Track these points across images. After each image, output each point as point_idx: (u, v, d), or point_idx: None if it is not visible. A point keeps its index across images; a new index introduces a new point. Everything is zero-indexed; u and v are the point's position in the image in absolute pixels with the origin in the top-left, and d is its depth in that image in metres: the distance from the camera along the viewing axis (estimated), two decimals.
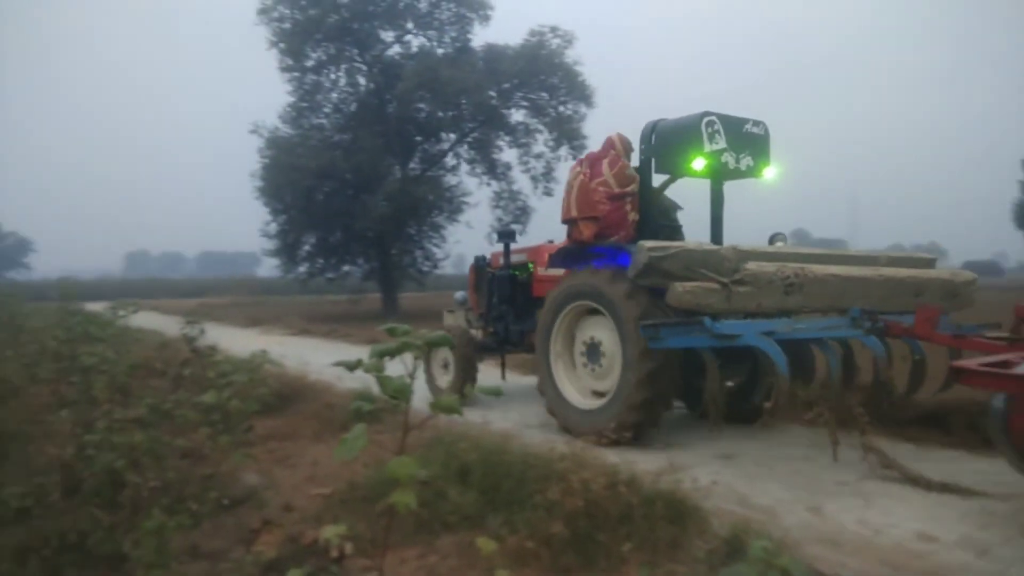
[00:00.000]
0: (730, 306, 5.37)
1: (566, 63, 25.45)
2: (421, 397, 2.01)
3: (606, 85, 26.45)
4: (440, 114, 25.51)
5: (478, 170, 27.78)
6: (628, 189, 6.72)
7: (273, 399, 6.33)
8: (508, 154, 27.76)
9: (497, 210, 27.40)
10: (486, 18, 26.40)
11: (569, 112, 26.18)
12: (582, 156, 7.43)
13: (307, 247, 26.58)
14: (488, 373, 8.76)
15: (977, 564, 3.52)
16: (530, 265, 8.30)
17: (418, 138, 27.57)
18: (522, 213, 27.44)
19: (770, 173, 6.82)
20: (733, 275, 5.39)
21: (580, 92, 25.82)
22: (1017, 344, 4.90)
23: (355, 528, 3.60)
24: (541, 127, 26.59)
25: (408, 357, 1.92)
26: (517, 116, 27.12)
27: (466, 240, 26.99)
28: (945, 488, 4.62)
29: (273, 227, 25.79)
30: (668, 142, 6.56)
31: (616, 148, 6.92)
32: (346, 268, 27.53)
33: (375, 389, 2.00)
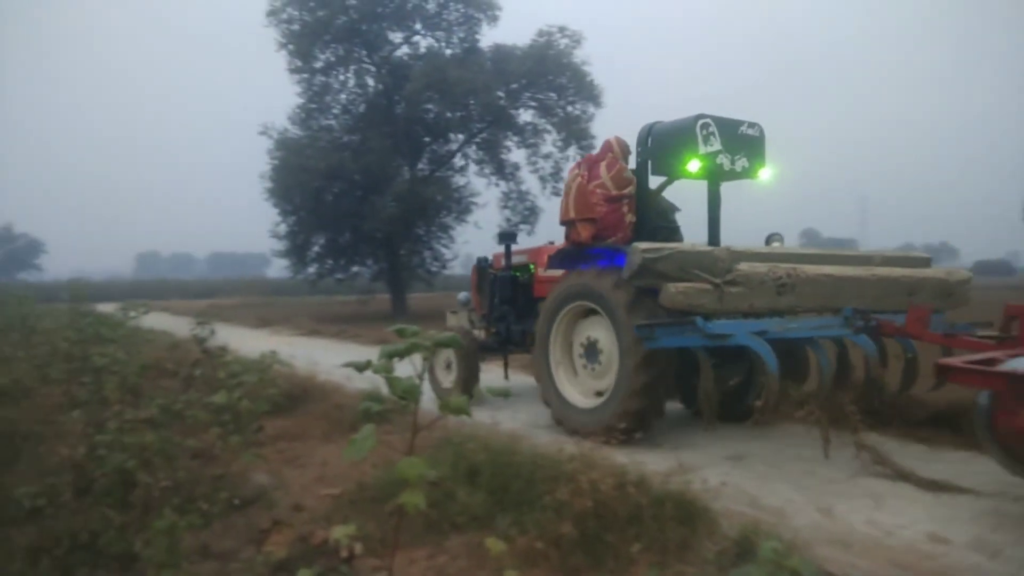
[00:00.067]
0: (722, 306, 5.44)
1: (574, 63, 25.40)
2: (427, 397, 2.02)
3: (607, 85, 26.31)
4: (448, 115, 25.50)
5: (486, 170, 27.77)
6: (625, 191, 6.84)
7: (283, 399, 6.36)
8: (516, 154, 27.76)
9: (505, 210, 27.37)
10: (494, 19, 26.37)
11: (577, 112, 26.13)
12: (581, 159, 7.51)
13: (316, 248, 26.59)
14: (491, 373, 8.77)
15: (989, 566, 3.51)
16: (531, 266, 8.39)
17: (426, 139, 27.57)
18: (530, 213, 27.42)
19: (766, 174, 6.88)
20: (726, 276, 5.45)
21: (588, 92, 25.76)
22: (1006, 342, 4.92)
23: (365, 528, 3.61)
24: (549, 127, 26.54)
25: (417, 358, 1.93)
26: (525, 116, 27.09)
27: (475, 240, 26.94)
28: (935, 485, 4.68)
29: (283, 228, 25.83)
30: (664, 144, 6.66)
31: (614, 151, 7.04)
32: (355, 269, 27.53)
33: (384, 390, 2.01)
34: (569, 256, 7.22)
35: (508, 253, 8.56)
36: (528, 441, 4.98)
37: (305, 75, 25.87)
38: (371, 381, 2.06)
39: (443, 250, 27.66)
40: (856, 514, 4.21)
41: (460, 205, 27.19)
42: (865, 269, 6.13)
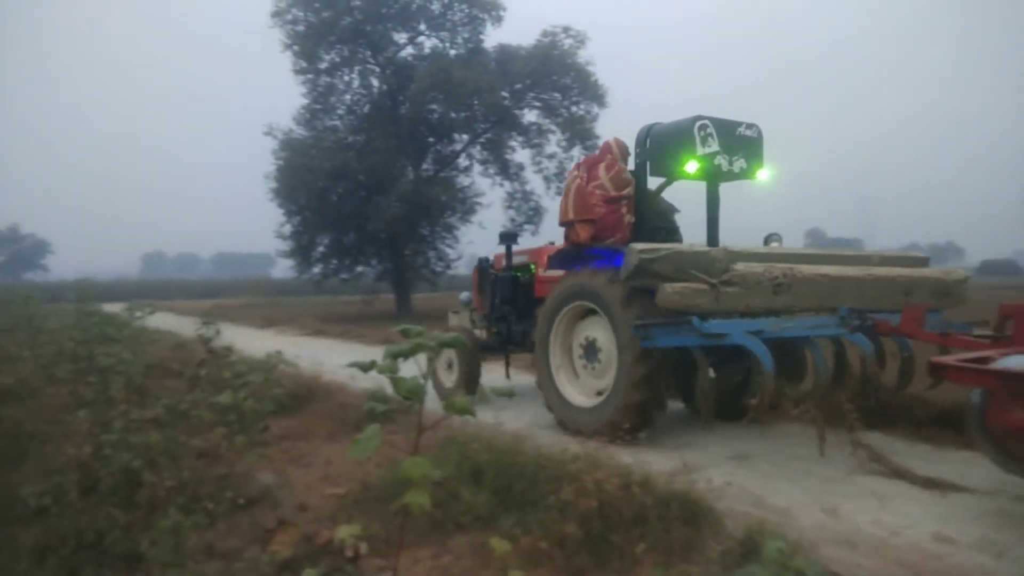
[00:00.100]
0: (719, 306, 5.47)
1: (578, 63, 25.43)
2: (429, 397, 2.02)
3: (611, 85, 26.30)
4: (453, 115, 25.55)
5: (491, 171, 27.81)
6: (624, 192, 6.91)
7: (288, 399, 6.38)
8: (521, 155, 27.80)
9: (510, 211, 27.42)
10: (498, 19, 26.39)
11: (582, 112, 26.16)
12: (580, 160, 7.59)
13: (321, 248, 26.65)
14: (492, 372, 8.78)
15: (994, 566, 3.50)
16: (532, 266, 8.43)
17: (431, 139, 27.62)
18: (535, 213, 27.44)
19: (764, 175, 6.91)
20: (722, 276, 5.49)
21: (593, 92, 25.78)
22: (1000, 341, 4.95)
23: (369, 528, 3.61)
24: (554, 127, 26.58)
25: (421, 357, 1.94)
26: (530, 116, 27.15)
27: (479, 241, 26.97)
28: (932, 483, 4.71)
29: (287, 228, 25.91)
30: (662, 146, 6.71)
31: (613, 152, 7.14)
32: (360, 269, 27.58)
33: (389, 389, 2.01)
34: (568, 257, 7.29)
35: (509, 253, 8.61)
36: (532, 441, 4.98)
37: (310, 76, 25.95)
38: (376, 381, 2.07)
39: (447, 250, 27.74)
40: (861, 514, 4.20)
41: (464, 205, 27.23)
42: (862, 269, 6.15)
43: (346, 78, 26.89)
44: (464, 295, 9.37)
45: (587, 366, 6.62)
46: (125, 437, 4.10)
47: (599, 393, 6.43)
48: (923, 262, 6.99)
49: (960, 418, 5.94)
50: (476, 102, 24.71)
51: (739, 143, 6.71)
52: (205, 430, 5.01)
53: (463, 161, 28.31)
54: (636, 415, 5.95)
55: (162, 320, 16.15)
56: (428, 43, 27.66)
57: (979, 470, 4.91)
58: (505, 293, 8.45)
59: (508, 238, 8.69)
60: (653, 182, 7.07)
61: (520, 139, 27.32)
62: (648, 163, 6.86)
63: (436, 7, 26.43)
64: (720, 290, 5.45)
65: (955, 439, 5.83)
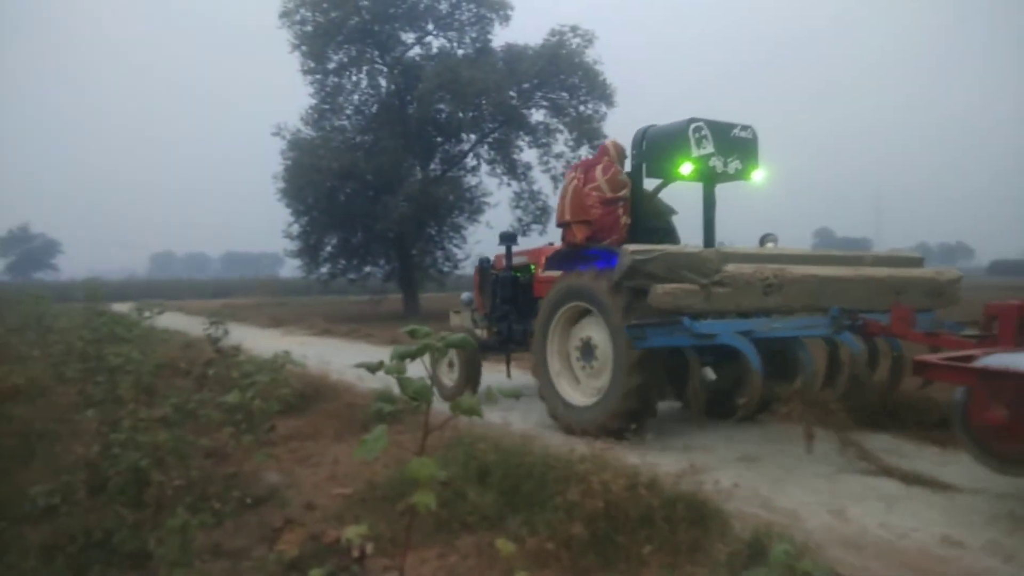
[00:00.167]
0: (710, 306, 5.54)
1: (586, 62, 25.36)
2: (437, 397, 2.03)
3: (619, 83, 26.26)
4: (460, 115, 25.50)
5: (498, 170, 27.76)
6: (620, 194, 7.02)
7: (295, 399, 6.40)
8: (528, 154, 27.73)
9: (517, 210, 27.34)
10: (506, 18, 26.35)
11: (589, 112, 26.10)
12: (578, 162, 7.77)
13: (329, 248, 26.68)
14: (493, 372, 8.80)
15: (1003, 570, 3.48)
16: (532, 267, 8.51)
17: (438, 139, 27.61)
18: (542, 213, 27.38)
19: (759, 176, 7.02)
20: (713, 277, 5.54)
21: (600, 91, 25.71)
22: (986, 340, 5.00)
23: (376, 528, 3.62)
24: (561, 127, 26.51)
25: (425, 357, 1.94)
26: (537, 116, 27.06)
27: (486, 240, 26.92)
28: (918, 480, 4.79)
29: (295, 228, 25.93)
30: (658, 148, 6.84)
31: (609, 154, 7.26)
32: (367, 269, 27.60)
33: (396, 390, 2.01)
34: (565, 257, 7.41)
35: (509, 254, 8.69)
36: (539, 441, 4.98)
37: (318, 76, 25.96)
38: (383, 381, 2.07)
39: (455, 250, 27.70)
40: (869, 516, 4.19)
41: (472, 205, 27.21)
42: (853, 269, 6.20)
43: (354, 78, 26.91)
44: (465, 295, 9.47)
45: (584, 366, 6.69)
46: (133, 436, 4.12)
47: (596, 392, 6.48)
48: (917, 262, 7.03)
49: None
50: (484, 102, 24.66)
51: (734, 145, 6.81)
52: (213, 429, 5.03)
53: (471, 161, 28.29)
54: (630, 414, 6.04)
55: (171, 320, 16.21)
56: (436, 43, 27.67)
57: (988, 472, 4.88)
58: (505, 293, 8.53)
59: (508, 239, 8.77)
60: (650, 184, 7.17)
61: (528, 139, 27.26)
62: (644, 165, 6.99)
63: (444, 7, 26.42)
64: (711, 291, 5.53)
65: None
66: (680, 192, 7.39)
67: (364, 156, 24.55)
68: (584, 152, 25.88)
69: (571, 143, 26.30)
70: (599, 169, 7.10)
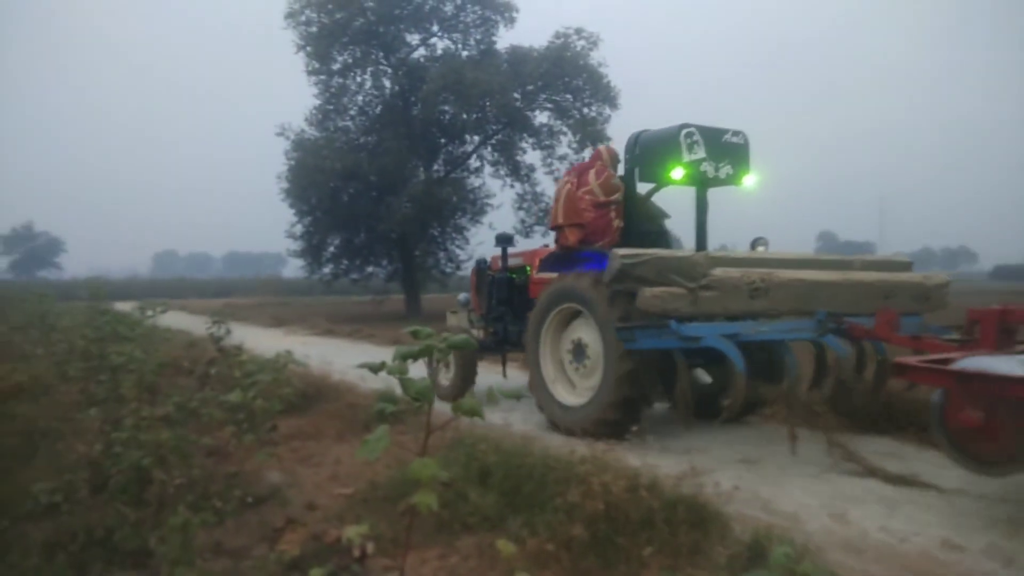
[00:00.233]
0: (697, 310, 5.62)
1: (591, 65, 25.34)
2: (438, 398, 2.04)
3: (623, 85, 26.23)
4: (464, 116, 25.51)
5: (501, 172, 27.74)
6: (613, 198, 7.17)
7: (297, 399, 6.41)
8: (532, 156, 27.70)
9: (520, 212, 27.34)
10: (511, 20, 26.37)
11: (593, 114, 26.09)
12: (572, 166, 7.93)
13: (332, 248, 26.69)
14: (490, 372, 8.82)
15: (1004, 573, 3.48)
16: (527, 268, 8.60)
17: (442, 140, 27.61)
18: (545, 215, 27.35)
19: (750, 181, 7.13)
20: (700, 280, 5.62)
21: (605, 94, 25.70)
22: (968, 344, 5.09)
23: (377, 528, 3.63)
24: (565, 129, 26.49)
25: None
26: (541, 118, 27.04)
27: (489, 242, 26.88)
28: (903, 480, 4.87)
29: (299, 228, 25.95)
30: (650, 153, 7.00)
31: (603, 159, 7.42)
32: (370, 269, 27.61)
33: (398, 390, 2.02)
34: (559, 260, 7.55)
35: (505, 255, 8.78)
36: (540, 443, 4.99)
37: (322, 76, 25.98)
38: (385, 381, 2.08)
39: (457, 251, 27.70)
40: (869, 520, 4.19)
41: (475, 206, 27.21)
42: (841, 274, 6.27)
43: (358, 79, 26.91)
44: (462, 296, 9.57)
45: (576, 366, 6.77)
46: (135, 435, 4.13)
47: (587, 392, 6.57)
48: (906, 267, 7.08)
49: None
50: (488, 103, 24.67)
51: (725, 150, 6.92)
52: (215, 428, 5.05)
53: (474, 162, 28.28)
54: (620, 414, 6.13)
55: (173, 319, 16.23)
56: (440, 44, 27.69)
57: (990, 477, 4.89)
58: (501, 294, 8.64)
59: (504, 240, 8.87)
60: (644, 188, 7.27)
61: (531, 140, 27.24)
62: (637, 169, 7.14)
63: (449, 8, 26.46)
64: (698, 294, 5.61)
65: None
66: (675, 196, 7.52)
67: (368, 157, 24.57)
68: (588, 154, 25.81)
69: (575, 145, 26.28)
70: (592, 173, 7.23)
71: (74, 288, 28.62)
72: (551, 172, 26.95)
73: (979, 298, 6.77)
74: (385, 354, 2.04)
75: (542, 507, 3.73)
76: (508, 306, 8.57)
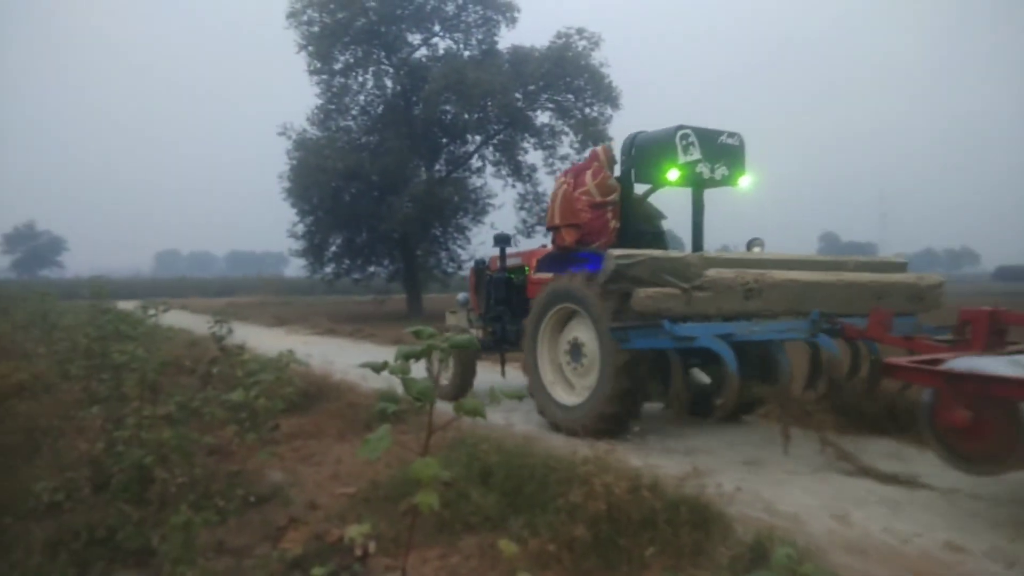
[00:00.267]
0: (690, 310, 5.67)
1: (592, 65, 25.35)
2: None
3: (625, 86, 26.24)
4: (466, 116, 25.52)
5: (503, 172, 27.75)
6: (609, 198, 7.26)
7: (299, 398, 6.42)
8: (533, 156, 27.72)
9: (522, 212, 27.36)
10: (513, 20, 26.39)
11: (595, 114, 26.09)
12: (568, 167, 8.06)
13: (333, 248, 26.72)
14: (489, 372, 8.83)
15: (1007, 575, 3.47)
16: (525, 268, 8.65)
17: (444, 140, 27.63)
18: (546, 215, 27.34)
19: (745, 182, 7.21)
20: (694, 281, 5.66)
21: (606, 94, 25.71)
22: (959, 345, 5.14)
23: (379, 527, 3.63)
24: (567, 129, 26.49)
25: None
26: (543, 118, 27.05)
27: (491, 241, 26.89)
28: (894, 479, 4.92)
29: (300, 228, 25.99)
30: (646, 154, 7.08)
31: (600, 160, 7.48)
32: (372, 269, 27.64)
33: (399, 389, 2.02)
34: (556, 260, 7.65)
35: (503, 256, 8.82)
36: (542, 443, 4.99)
37: (324, 76, 26.01)
38: (386, 381, 2.08)
39: (459, 251, 27.72)
40: (872, 521, 4.18)
41: (476, 206, 27.23)
42: (834, 274, 6.31)
43: (360, 79, 26.94)
44: (461, 295, 9.62)
45: (573, 366, 6.80)
46: (138, 434, 4.14)
47: (583, 391, 6.60)
48: (900, 267, 7.11)
49: None
50: (489, 103, 24.67)
51: (721, 151, 6.99)
52: (217, 427, 5.05)
53: (476, 162, 28.30)
54: (616, 413, 6.19)
55: (175, 318, 16.24)
56: (442, 44, 27.73)
57: (993, 479, 4.88)
58: (499, 294, 8.68)
59: (502, 241, 8.92)
60: (640, 189, 7.36)
61: (533, 140, 27.26)
62: (633, 170, 7.21)
63: (450, 8, 26.47)
64: (692, 295, 5.65)
65: None
66: (674, 197, 7.58)
67: (369, 156, 24.59)
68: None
69: (576, 145, 26.28)
70: (589, 174, 7.30)
71: (76, 287, 28.64)
72: (553, 172, 26.93)
73: (981, 299, 6.80)
74: (386, 354, 2.04)
75: (544, 507, 3.73)
76: (506, 306, 8.60)
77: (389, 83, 27.22)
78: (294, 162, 25.13)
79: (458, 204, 26.04)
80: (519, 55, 26.08)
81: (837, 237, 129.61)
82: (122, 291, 28.94)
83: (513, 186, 27.67)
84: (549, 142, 26.89)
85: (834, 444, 5.31)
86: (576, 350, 6.71)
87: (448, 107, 25.51)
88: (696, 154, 6.80)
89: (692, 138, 6.77)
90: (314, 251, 26.15)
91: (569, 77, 25.30)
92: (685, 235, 7.86)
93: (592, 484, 3.62)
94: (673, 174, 6.77)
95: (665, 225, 8.03)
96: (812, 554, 3.33)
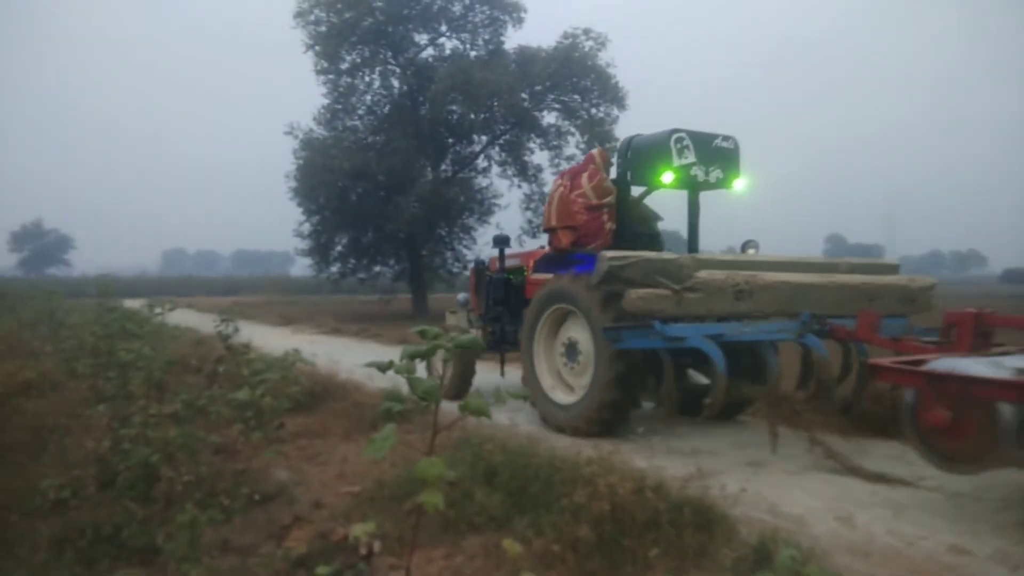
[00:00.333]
0: (682, 311, 5.73)
1: (599, 65, 25.34)
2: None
3: (631, 86, 26.22)
4: (472, 116, 25.52)
5: (509, 172, 27.73)
6: (605, 201, 7.38)
7: (304, 397, 6.43)
8: (539, 156, 27.71)
9: (528, 212, 27.34)
10: (519, 20, 26.41)
11: (601, 115, 26.07)
12: (565, 170, 8.21)
13: (339, 247, 26.78)
14: (488, 371, 8.86)
15: None
16: (524, 269, 8.70)
17: (450, 140, 27.65)
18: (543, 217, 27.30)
19: (740, 185, 7.33)
20: (685, 282, 5.72)
21: (613, 94, 25.68)
22: (944, 346, 5.19)
23: (383, 526, 3.64)
24: (573, 129, 26.48)
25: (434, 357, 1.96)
26: (549, 118, 27.04)
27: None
28: (880, 478, 4.99)
29: (306, 227, 26.05)
30: (641, 157, 7.20)
31: (596, 162, 7.63)
32: (377, 268, 27.69)
33: (405, 389, 2.03)
34: (552, 261, 7.78)
35: (502, 256, 8.85)
36: (546, 443, 4.99)
37: (331, 76, 26.06)
38: (392, 380, 2.08)
39: (464, 251, 27.73)
40: (876, 523, 4.17)
41: (482, 206, 27.25)
42: (825, 276, 6.34)
43: (367, 79, 26.99)
44: (461, 296, 9.69)
45: (568, 365, 6.87)
46: (144, 432, 4.16)
47: (579, 390, 6.67)
48: (892, 269, 7.15)
49: None
50: (495, 103, 24.67)
51: (715, 155, 7.10)
52: (223, 426, 5.07)
53: (482, 162, 28.30)
54: (609, 412, 6.28)
55: (182, 316, 16.25)
56: (449, 44, 27.76)
57: (995, 481, 4.86)
58: (498, 294, 8.73)
59: (501, 242, 8.95)
60: (636, 192, 7.46)
61: (539, 141, 27.24)
62: (628, 173, 7.32)
63: (457, 8, 26.49)
64: (683, 296, 5.70)
65: None
66: (672, 200, 7.66)
67: (376, 156, 24.62)
68: None
69: (582, 146, 26.23)
70: (585, 176, 7.40)
71: (83, 285, 28.75)
72: (558, 173, 26.89)
73: (987, 302, 6.80)
74: (392, 353, 2.04)
75: (548, 507, 3.73)
76: (505, 306, 8.65)
77: (396, 83, 27.26)
78: (300, 161, 25.20)
79: (464, 204, 26.06)
80: (526, 55, 26.07)
81: (844, 239, 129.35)
82: (128, 290, 29.08)
83: (519, 186, 27.67)
84: (555, 142, 26.88)
85: (822, 443, 5.37)
86: (572, 349, 6.78)
87: (454, 107, 25.52)
88: (691, 157, 6.91)
89: (687, 141, 6.88)
90: (320, 250, 26.21)
91: (576, 77, 25.29)
92: (678, 237, 7.92)
93: (596, 485, 3.62)
94: (668, 177, 6.88)
95: (666, 227, 8.17)
96: (816, 556, 3.32)
